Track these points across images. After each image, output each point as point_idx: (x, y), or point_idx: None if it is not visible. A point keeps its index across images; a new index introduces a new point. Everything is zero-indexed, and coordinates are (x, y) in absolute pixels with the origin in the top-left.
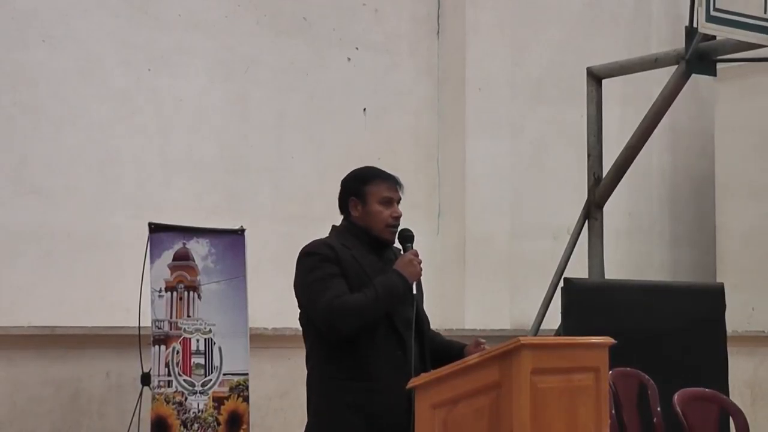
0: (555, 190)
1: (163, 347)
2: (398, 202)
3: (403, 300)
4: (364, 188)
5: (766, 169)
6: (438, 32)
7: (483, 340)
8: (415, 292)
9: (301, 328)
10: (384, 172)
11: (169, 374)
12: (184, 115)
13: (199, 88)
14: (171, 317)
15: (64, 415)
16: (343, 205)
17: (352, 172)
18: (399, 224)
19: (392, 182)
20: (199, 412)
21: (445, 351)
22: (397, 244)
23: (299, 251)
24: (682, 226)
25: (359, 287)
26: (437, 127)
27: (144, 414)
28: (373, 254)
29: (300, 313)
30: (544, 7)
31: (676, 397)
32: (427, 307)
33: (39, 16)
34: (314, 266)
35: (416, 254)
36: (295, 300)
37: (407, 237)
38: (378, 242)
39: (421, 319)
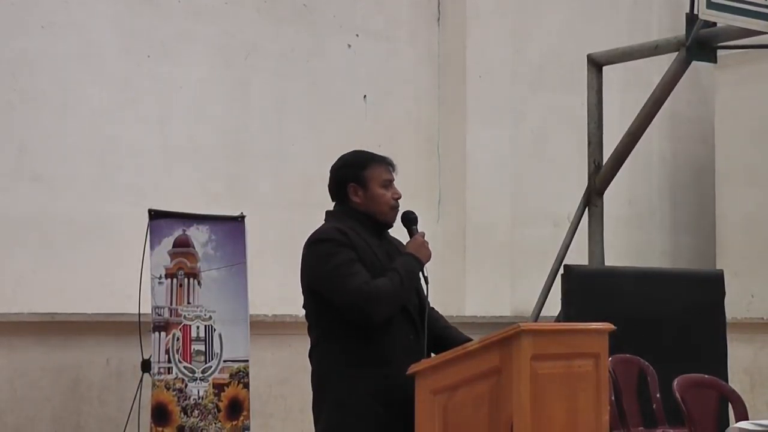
0: (555, 177)
1: (163, 334)
2: (393, 183)
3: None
4: (362, 173)
5: (766, 156)
6: (438, 19)
7: None
8: (426, 274)
9: (305, 318)
10: (377, 155)
11: (169, 361)
12: (185, 102)
13: (200, 75)
14: (171, 304)
15: (65, 402)
16: (340, 192)
17: (343, 158)
18: (399, 205)
19: (387, 164)
20: (199, 398)
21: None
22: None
23: (308, 239)
24: (682, 212)
25: (372, 272)
26: (438, 114)
27: (144, 401)
28: (375, 237)
29: (305, 303)
30: None
31: (675, 383)
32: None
33: (39, 3)
34: (331, 252)
35: (424, 235)
36: (296, 287)
37: (412, 219)
38: (379, 225)
39: (425, 303)
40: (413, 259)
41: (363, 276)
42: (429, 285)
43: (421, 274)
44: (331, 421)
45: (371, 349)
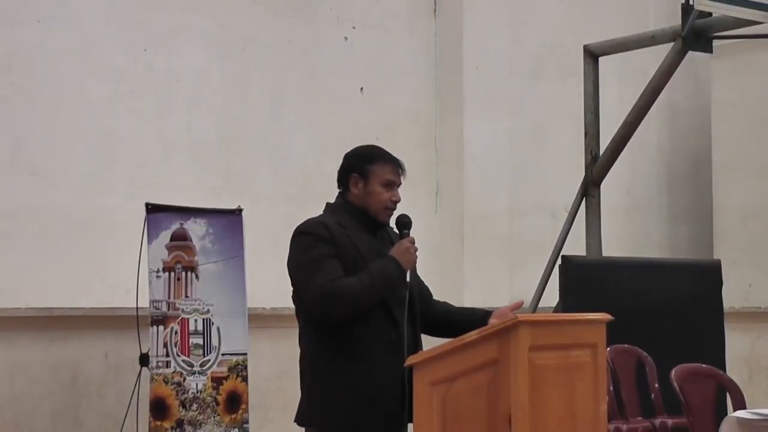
0: (553, 168)
1: (161, 328)
2: (398, 187)
3: (396, 285)
4: (368, 167)
5: (762, 146)
6: (435, 11)
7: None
8: (408, 279)
9: (294, 307)
10: (390, 154)
11: (167, 355)
12: (182, 95)
13: (197, 68)
14: (169, 298)
15: (63, 397)
16: (344, 180)
17: (358, 147)
18: (396, 208)
19: (396, 166)
20: (197, 392)
21: (465, 317)
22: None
23: (294, 229)
24: (679, 203)
25: (353, 269)
26: (435, 106)
27: (143, 394)
28: (368, 233)
29: (293, 292)
30: None
31: (673, 373)
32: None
33: None
34: (308, 246)
35: (413, 242)
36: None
37: (405, 223)
38: (373, 222)
39: (415, 301)
40: (392, 263)
41: (330, 273)
42: (415, 288)
43: (409, 276)
44: (302, 407)
45: (348, 343)
